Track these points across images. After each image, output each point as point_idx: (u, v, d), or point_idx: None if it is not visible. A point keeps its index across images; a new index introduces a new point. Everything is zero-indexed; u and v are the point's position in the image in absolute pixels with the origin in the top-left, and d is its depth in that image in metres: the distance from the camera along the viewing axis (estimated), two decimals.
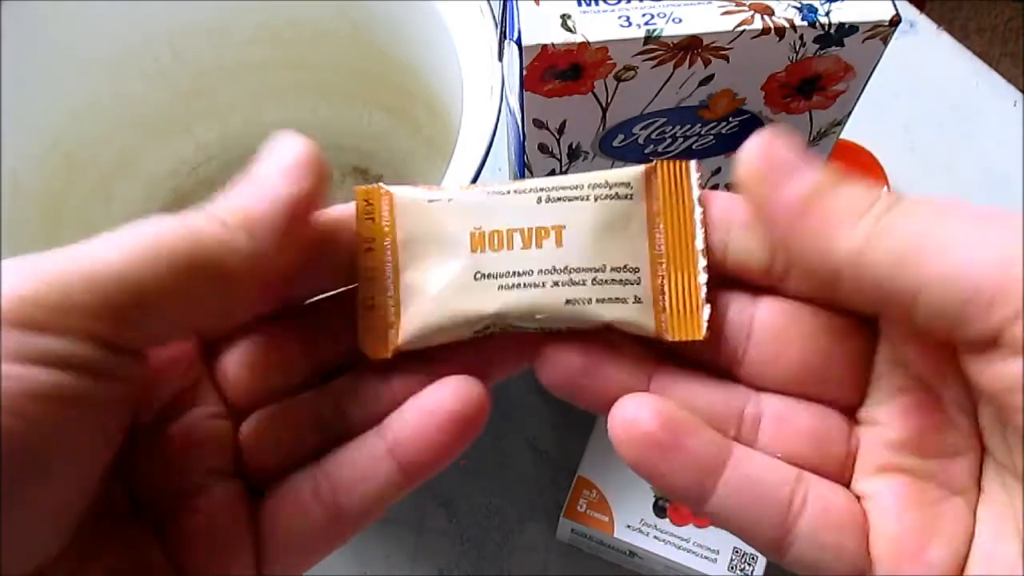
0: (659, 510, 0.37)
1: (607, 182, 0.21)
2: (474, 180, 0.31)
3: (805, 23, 0.25)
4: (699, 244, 0.21)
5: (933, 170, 0.51)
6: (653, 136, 0.29)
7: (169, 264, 0.18)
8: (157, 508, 0.20)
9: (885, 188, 0.48)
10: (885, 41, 0.26)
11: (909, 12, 0.56)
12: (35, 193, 0.41)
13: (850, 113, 0.29)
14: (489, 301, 0.21)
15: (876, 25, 0.26)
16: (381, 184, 0.22)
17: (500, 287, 0.21)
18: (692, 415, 0.20)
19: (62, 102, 0.42)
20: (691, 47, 0.26)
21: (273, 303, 0.22)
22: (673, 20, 0.25)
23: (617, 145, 0.29)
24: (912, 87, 0.53)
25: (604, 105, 0.28)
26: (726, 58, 0.26)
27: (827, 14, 0.25)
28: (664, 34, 0.25)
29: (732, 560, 0.36)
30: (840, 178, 0.19)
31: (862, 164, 0.49)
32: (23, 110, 0.39)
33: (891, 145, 0.50)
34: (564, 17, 0.26)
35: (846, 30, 0.26)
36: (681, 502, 0.20)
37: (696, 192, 0.21)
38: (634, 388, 0.20)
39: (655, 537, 0.37)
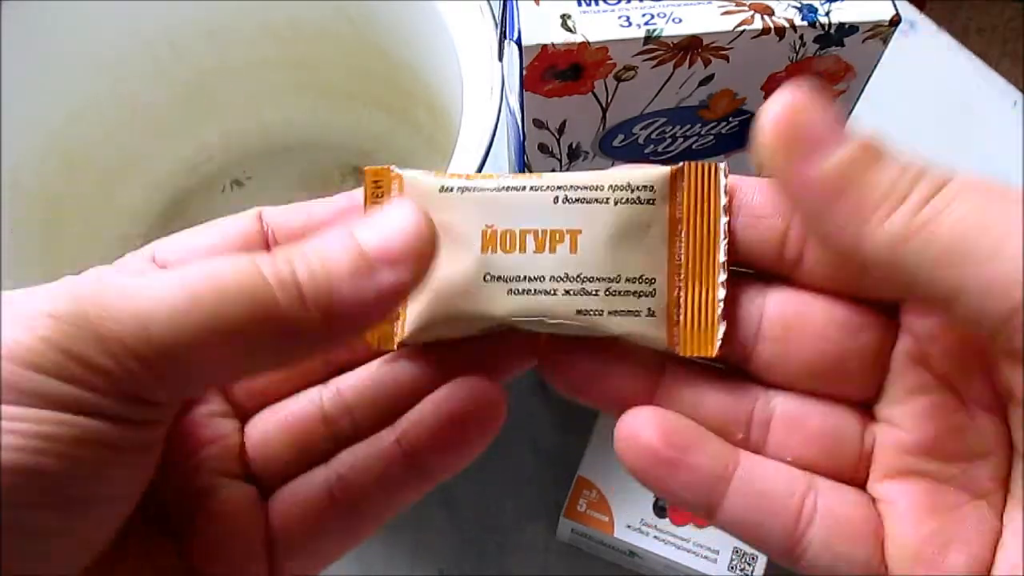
0: (659, 510, 0.37)
1: (629, 184, 0.20)
2: None
3: (805, 23, 0.25)
4: (721, 256, 0.20)
5: None
6: (653, 136, 0.29)
7: (224, 326, 0.16)
8: (168, 510, 0.20)
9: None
10: (885, 41, 0.26)
11: (909, 12, 0.56)
12: (35, 193, 0.41)
13: (850, 113, 0.29)
14: (497, 304, 0.20)
15: (876, 25, 0.26)
16: (392, 167, 0.21)
17: (510, 291, 0.20)
18: (696, 427, 0.19)
19: (62, 102, 0.42)
20: (691, 47, 0.26)
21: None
22: (673, 20, 0.25)
23: (617, 145, 0.29)
24: (912, 87, 0.53)
25: (604, 105, 0.28)
26: (726, 58, 0.26)
27: (827, 14, 0.25)
28: (664, 34, 0.25)
29: (732, 560, 0.36)
30: (877, 151, 0.16)
31: None
32: (23, 110, 0.39)
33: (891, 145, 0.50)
34: (564, 17, 0.26)
35: (846, 30, 0.26)
36: (690, 512, 0.19)
37: (723, 199, 0.20)
38: (642, 391, 0.20)
39: (655, 537, 0.37)
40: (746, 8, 0.26)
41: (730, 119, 0.29)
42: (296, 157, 0.50)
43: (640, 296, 0.20)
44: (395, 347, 0.21)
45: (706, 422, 0.20)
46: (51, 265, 0.41)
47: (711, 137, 0.29)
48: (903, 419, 0.20)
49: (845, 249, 0.16)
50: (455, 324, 0.20)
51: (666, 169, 0.20)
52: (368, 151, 0.50)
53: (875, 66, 0.27)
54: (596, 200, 0.20)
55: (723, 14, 0.25)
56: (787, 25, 0.25)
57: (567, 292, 0.20)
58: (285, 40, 0.45)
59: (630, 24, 0.25)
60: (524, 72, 0.26)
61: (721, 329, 0.20)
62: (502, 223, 0.20)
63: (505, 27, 0.27)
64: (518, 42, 0.25)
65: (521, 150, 0.30)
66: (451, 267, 0.20)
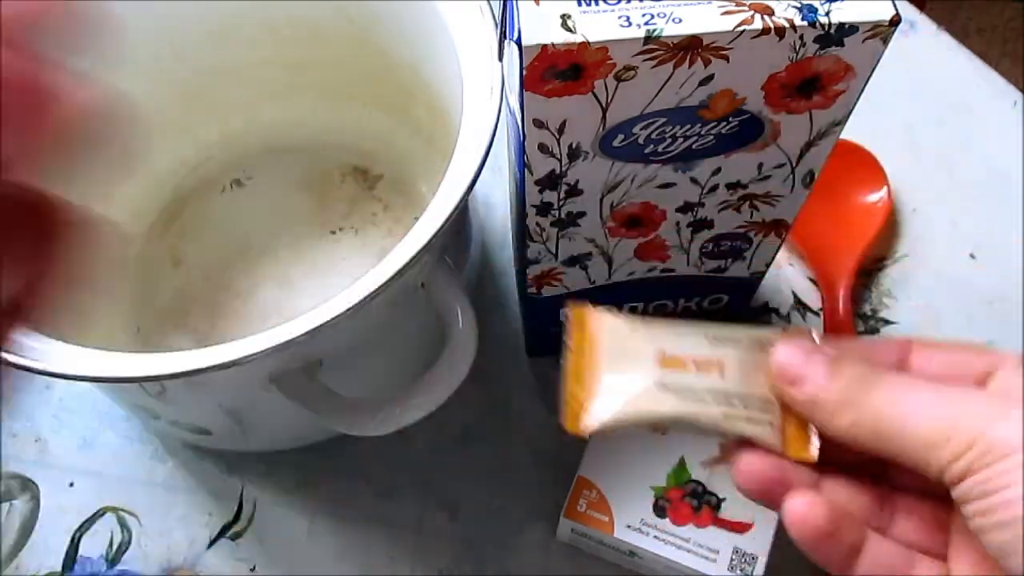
0: (659, 510, 0.37)
1: (758, 338, 0.28)
2: (474, 180, 0.31)
3: (805, 23, 0.25)
4: None
5: (933, 170, 0.51)
6: (653, 136, 0.29)
7: None
8: None
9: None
10: (885, 41, 0.26)
11: (909, 12, 0.56)
12: None
13: (850, 113, 0.29)
14: (667, 406, 0.27)
15: (876, 25, 0.26)
16: (591, 305, 0.28)
17: (677, 397, 0.27)
18: (846, 512, 0.27)
19: None
20: (691, 47, 0.26)
21: None
22: (673, 20, 0.25)
23: (617, 145, 0.29)
24: (912, 87, 0.53)
25: (604, 105, 0.28)
26: (726, 58, 0.26)
27: (827, 14, 0.25)
28: (664, 34, 0.25)
29: (732, 560, 0.36)
30: (834, 372, 0.26)
31: (862, 164, 0.49)
32: None
33: (891, 145, 0.50)
34: (564, 17, 0.26)
35: (846, 30, 0.26)
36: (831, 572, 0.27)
37: None
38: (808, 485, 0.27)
39: (655, 537, 0.37)
40: (746, 8, 0.26)
41: (730, 119, 0.29)
42: (296, 157, 0.50)
43: (764, 412, 0.27)
44: (584, 434, 0.27)
45: (853, 511, 0.27)
46: None
47: (711, 137, 0.29)
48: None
49: (829, 435, 0.26)
50: (634, 421, 0.27)
51: (779, 330, 0.28)
52: (368, 151, 0.50)
53: (875, 66, 0.27)
54: (736, 342, 0.28)
55: (723, 14, 0.25)
56: (787, 25, 0.25)
57: (716, 402, 0.27)
58: (285, 40, 0.45)
59: (630, 24, 0.25)
60: (524, 72, 0.26)
61: (815, 442, 0.27)
62: (671, 350, 0.28)
63: (505, 27, 0.27)
64: (518, 42, 0.25)
65: (521, 150, 0.30)
66: (635, 378, 0.27)
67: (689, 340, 0.28)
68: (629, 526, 0.37)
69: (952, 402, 0.25)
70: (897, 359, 0.28)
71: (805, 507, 0.26)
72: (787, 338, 0.28)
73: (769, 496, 0.27)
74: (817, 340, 0.28)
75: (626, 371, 0.28)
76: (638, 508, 0.37)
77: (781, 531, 0.35)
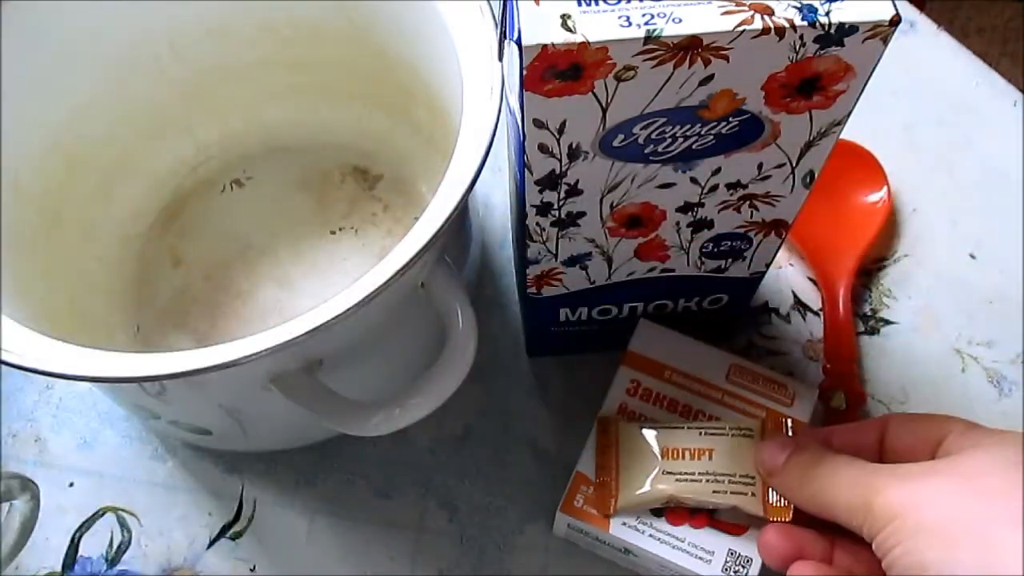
0: (656, 509, 0.37)
1: (740, 427, 0.37)
2: (474, 180, 0.31)
3: (805, 23, 0.25)
4: None
5: (933, 170, 0.51)
6: (653, 136, 0.29)
7: None
8: None
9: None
10: (885, 41, 0.26)
11: (909, 12, 0.56)
12: (35, 193, 0.41)
13: (850, 113, 0.29)
14: (669, 487, 0.36)
15: (876, 25, 0.26)
16: (614, 416, 0.38)
17: (676, 479, 0.36)
18: (843, 571, 0.33)
19: (62, 102, 0.42)
20: (691, 47, 0.26)
21: None
22: (673, 20, 0.25)
23: (617, 145, 0.29)
24: (912, 87, 0.53)
25: (604, 105, 0.28)
26: (726, 58, 0.26)
27: (827, 14, 0.25)
28: (664, 34, 0.25)
29: (727, 562, 0.36)
30: (793, 461, 0.34)
31: (862, 164, 0.49)
32: (23, 110, 0.39)
33: (891, 145, 0.50)
34: (564, 17, 0.26)
35: (846, 30, 0.26)
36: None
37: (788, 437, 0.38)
38: (821, 556, 0.34)
39: (651, 536, 0.37)
40: (746, 8, 0.26)
41: (730, 119, 0.29)
42: (296, 157, 0.50)
43: (746, 485, 0.36)
44: (611, 514, 0.37)
45: (856, 572, 0.34)
46: (51, 265, 0.41)
47: (711, 137, 0.29)
48: None
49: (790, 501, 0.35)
50: (646, 501, 0.36)
51: (757, 420, 0.38)
52: (368, 151, 0.50)
53: (875, 66, 0.27)
54: (723, 434, 0.37)
55: (723, 14, 0.25)
56: (787, 25, 0.25)
57: (707, 481, 0.36)
58: (285, 40, 0.45)
59: (630, 24, 0.25)
60: (524, 72, 0.26)
61: (792, 508, 0.35)
62: (671, 444, 0.37)
63: (505, 27, 0.27)
64: (518, 42, 0.25)
65: (521, 150, 0.30)
66: (645, 467, 0.37)
67: (684, 436, 0.37)
68: (625, 523, 0.37)
69: (859, 478, 0.31)
70: (878, 436, 0.34)
71: (796, 569, 0.34)
72: (767, 434, 0.37)
73: (788, 567, 0.34)
74: (791, 430, 0.38)
75: (638, 463, 0.37)
76: None
77: None
